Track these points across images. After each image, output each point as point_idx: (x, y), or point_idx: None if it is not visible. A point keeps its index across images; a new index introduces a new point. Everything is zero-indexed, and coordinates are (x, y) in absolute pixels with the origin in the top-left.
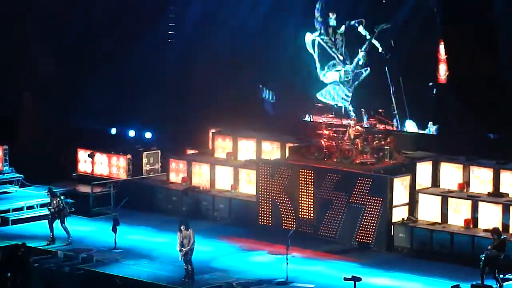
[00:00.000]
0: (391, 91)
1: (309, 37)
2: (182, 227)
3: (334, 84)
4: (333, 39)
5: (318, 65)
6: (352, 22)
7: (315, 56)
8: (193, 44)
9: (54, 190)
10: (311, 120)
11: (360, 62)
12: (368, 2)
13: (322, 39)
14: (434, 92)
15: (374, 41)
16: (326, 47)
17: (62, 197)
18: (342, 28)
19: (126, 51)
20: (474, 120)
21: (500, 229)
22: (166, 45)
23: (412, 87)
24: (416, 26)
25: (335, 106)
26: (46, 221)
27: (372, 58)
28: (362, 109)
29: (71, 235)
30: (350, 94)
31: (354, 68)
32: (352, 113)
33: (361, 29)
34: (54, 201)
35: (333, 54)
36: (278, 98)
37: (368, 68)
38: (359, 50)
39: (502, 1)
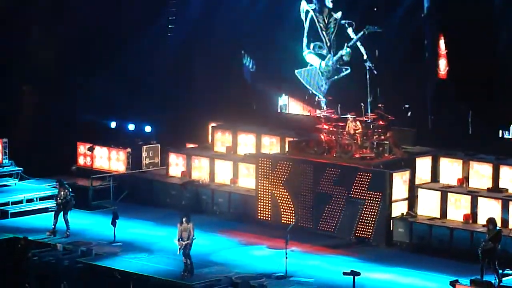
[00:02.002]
0: (368, 101)
1: (304, 5)
2: (184, 219)
3: (314, 70)
4: (326, 21)
5: (305, 38)
6: (343, 22)
7: (305, 25)
8: (193, 38)
9: (63, 182)
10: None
11: (344, 58)
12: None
13: (316, 16)
14: (409, 114)
15: (360, 47)
16: (318, 26)
17: (70, 189)
18: (339, 13)
19: (126, 44)
20: (473, 115)
21: (499, 223)
22: (166, 39)
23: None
24: (407, 34)
25: (310, 92)
26: (53, 212)
27: (356, 60)
28: (361, 104)
29: (70, 228)
30: (326, 87)
31: (336, 61)
32: (324, 106)
33: (350, 31)
34: (62, 192)
35: (322, 36)
36: (258, 67)
37: (349, 68)
38: (346, 44)
39: None
